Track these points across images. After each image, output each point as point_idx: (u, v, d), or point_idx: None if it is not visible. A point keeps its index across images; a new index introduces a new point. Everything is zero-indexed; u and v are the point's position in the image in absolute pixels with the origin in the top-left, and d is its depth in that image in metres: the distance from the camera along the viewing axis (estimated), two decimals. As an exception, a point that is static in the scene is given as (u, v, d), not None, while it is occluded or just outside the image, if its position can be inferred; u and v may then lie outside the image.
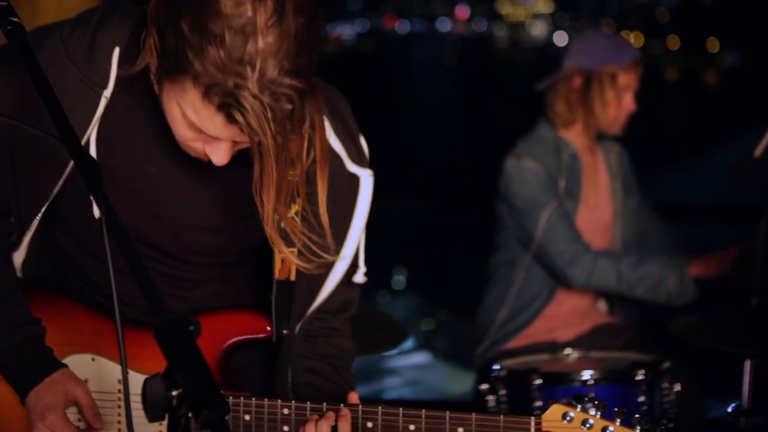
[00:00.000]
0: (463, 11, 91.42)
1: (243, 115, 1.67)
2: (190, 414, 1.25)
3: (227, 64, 1.65)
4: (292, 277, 2.07)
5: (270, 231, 1.88)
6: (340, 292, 2.17)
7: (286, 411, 1.98)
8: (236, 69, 1.65)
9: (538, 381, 2.98)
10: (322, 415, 1.96)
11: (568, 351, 3.33)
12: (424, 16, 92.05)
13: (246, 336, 2.11)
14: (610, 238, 3.70)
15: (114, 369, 2.08)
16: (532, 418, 1.91)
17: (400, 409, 1.94)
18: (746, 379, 3.01)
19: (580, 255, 3.45)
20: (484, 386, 3.07)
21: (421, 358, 6.78)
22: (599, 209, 3.69)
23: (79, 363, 2.07)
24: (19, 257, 2.10)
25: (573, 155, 3.61)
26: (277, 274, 2.07)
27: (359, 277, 2.23)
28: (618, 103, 3.56)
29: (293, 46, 1.68)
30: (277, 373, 2.15)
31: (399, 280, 8.60)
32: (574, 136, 3.64)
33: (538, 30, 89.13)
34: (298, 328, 2.13)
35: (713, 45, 60.05)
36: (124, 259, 1.33)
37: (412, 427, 1.94)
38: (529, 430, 1.90)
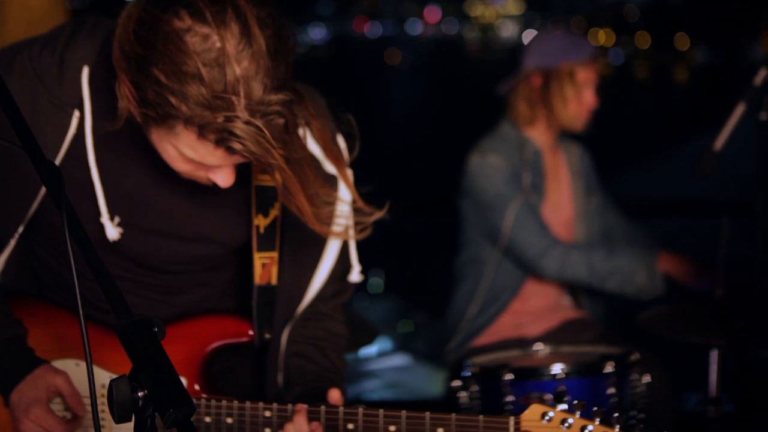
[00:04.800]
0: (433, 14, 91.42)
1: (242, 144, 1.69)
2: (156, 414, 1.28)
3: (212, 100, 1.66)
4: (273, 282, 2.09)
5: (321, 229, 1.93)
6: (330, 287, 2.19)
7: (267, 414, 1.99)
8: (222, 102, 1.66)
9: (509, 376, 3.00)
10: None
11: (538, 346, 3.36)
12: (395, 17, 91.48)
13: (228, 340, 2.14)
14: (572, 236, 3.73)
15: (98, 374, 2.09)
16: (512, 418, 1.91)
17: (381, 410, 1.94)
18: (713, 368, 3.06)
19: (551, 247, 3.48)
20: (456, 383, 3.09)
21: (400, 360, 6.76)
22: (561, 208, 3.72)
23: (63, 368, 2.08)
24: None
25: (536, 153, 3.65)
26: (257, 280, 2.09)
27: (355, 276, 2.23)
28: (578, 99, 3.59)
29: (269, 62, 1.69)
30: (267, 377, 2.16)
31: (376, 283, 8.58)
32: (537, 135, 3.67)
33: (508, 31, 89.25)
34: (287, 330, 2.14)
35: (683, 42, 60.46)
36: (85, 262, 1.35)
37: (392, 428, 1.94)
38: (508, 430, 1.91)
